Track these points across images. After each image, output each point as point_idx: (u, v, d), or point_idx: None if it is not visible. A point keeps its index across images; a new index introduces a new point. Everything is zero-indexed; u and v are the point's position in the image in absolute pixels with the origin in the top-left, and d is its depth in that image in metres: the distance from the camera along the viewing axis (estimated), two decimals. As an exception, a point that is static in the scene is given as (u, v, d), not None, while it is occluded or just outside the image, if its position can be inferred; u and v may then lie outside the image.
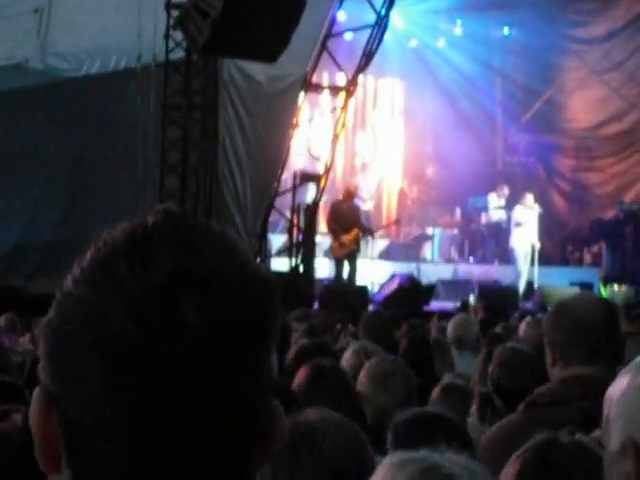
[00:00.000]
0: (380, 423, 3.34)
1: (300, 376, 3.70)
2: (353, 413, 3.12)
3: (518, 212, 17.08)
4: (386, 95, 21.08)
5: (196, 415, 0.93)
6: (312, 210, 15.01)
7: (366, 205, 18.86)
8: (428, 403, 4.31)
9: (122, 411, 0.92)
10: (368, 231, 15.56)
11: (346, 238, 14.81)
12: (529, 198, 17.09)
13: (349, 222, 14.92)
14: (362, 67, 15.15)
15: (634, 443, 1.36)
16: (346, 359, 4.83)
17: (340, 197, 15.64)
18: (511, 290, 15.73)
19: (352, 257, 14.97)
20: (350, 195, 15.37)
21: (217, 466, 0.95)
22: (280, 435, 1.01)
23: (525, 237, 16.88)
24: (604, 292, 15.60)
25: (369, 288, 14.60)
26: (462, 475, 1.23)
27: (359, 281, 15.03)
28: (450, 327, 7.11)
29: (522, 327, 6.47)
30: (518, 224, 16.93)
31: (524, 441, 2.92)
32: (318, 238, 15.79)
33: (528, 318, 6.85)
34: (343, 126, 15.58)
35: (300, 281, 14.02)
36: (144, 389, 0.92)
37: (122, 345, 0.92)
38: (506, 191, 18.24)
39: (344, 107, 15.41)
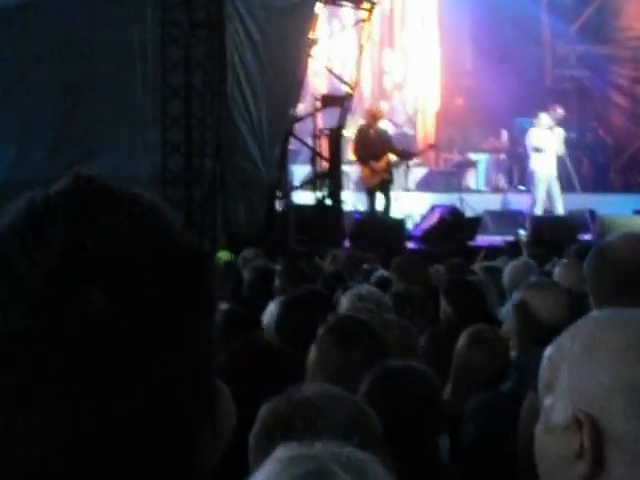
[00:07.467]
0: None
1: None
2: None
3: (534, 136, 16.61)
4: (417, 5, 20.78)
5: (103, 416, 0.93)
6: (337, 136, 14.78)
7: (402, 130, 18.63)
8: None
9: (9, 412, 0.94)
10: (404, 155, 15.27)
11: (377, 165, 14.54)
12: (544, 118, 16.63)
13: (378, 149, 14.69)
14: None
15: (591, 420, 1.33)
16: (342, 307, 4.71)
17: (365, 122, 15.40)
18: (569, 221, 15.37)
19: (385, 187, 14.75)
20: (375, 118, 15.12)
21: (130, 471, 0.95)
22: (225, 423, 1.03)
23: (547, 163, 16.48)
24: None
25: (406, 222, 14.45)
26: None
27: (394, 215, 14.84)
28: (507, 272, 6.80)
29: (557, 271, 6.31)
30: (537, 149, 16.51)
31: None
32: (345, 168, 15.58)
33: (564, 260, 6.77)
34: (368, 39, 15.28)
35: (327, 215, 13.87)
36: (37, 390, 0.93)
37: (8, 342, 0.93)
38: (560, 111, 17.64)
39: (368, 19, 15.15)
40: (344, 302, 4.79)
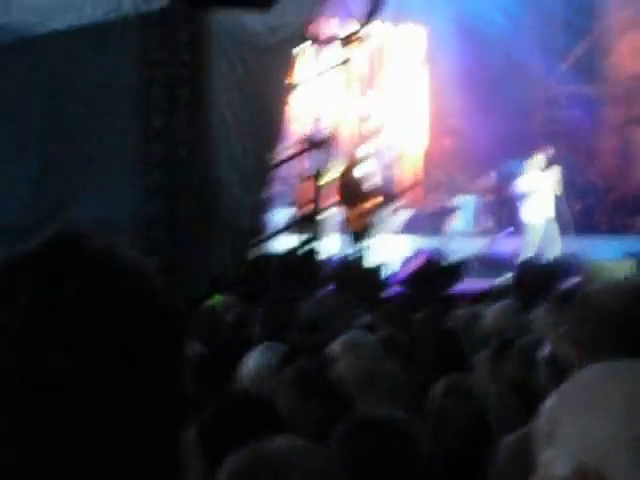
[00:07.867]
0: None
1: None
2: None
3: (522, 183, 16.67)
4: (406, 44, 20.79)
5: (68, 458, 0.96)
6: (318, 179, 14.86)
7: (386, 172, 18.70)
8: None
9: None
10: (387, 197, 15.46)
11: (361, 208, 14.77)
12: (537, 159, 16.69)
13: (360, 192, 14.88)
14: (373, 12, 14.85)
15: (594, 472, 1.34)
16: (333, 353, 4.76)
17: (345, 165, 15.58)
18: (555, 265, 15.43)
19: (369, 231, 14.91)
20: (358, 161, 15.32)
21: None
22: None
23: (541, 207, 16.55)
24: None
25: (388, 267, 14.45)
26: None
27: (377, 259, 14.85)
28: (490, 316, 6.85)
29: (538, 315, 6.35)
30: (528, 195, 16.53)
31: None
32: (327, 211, 15.59)
33: (546, 305, 6.73)
34: (352, 80, 15.44)
35: (308, 260, 13.86)
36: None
37: None
38: (549, 151, 17.74)
39: (352, 59, 15.33)
40: (337, 349, 4.80)
